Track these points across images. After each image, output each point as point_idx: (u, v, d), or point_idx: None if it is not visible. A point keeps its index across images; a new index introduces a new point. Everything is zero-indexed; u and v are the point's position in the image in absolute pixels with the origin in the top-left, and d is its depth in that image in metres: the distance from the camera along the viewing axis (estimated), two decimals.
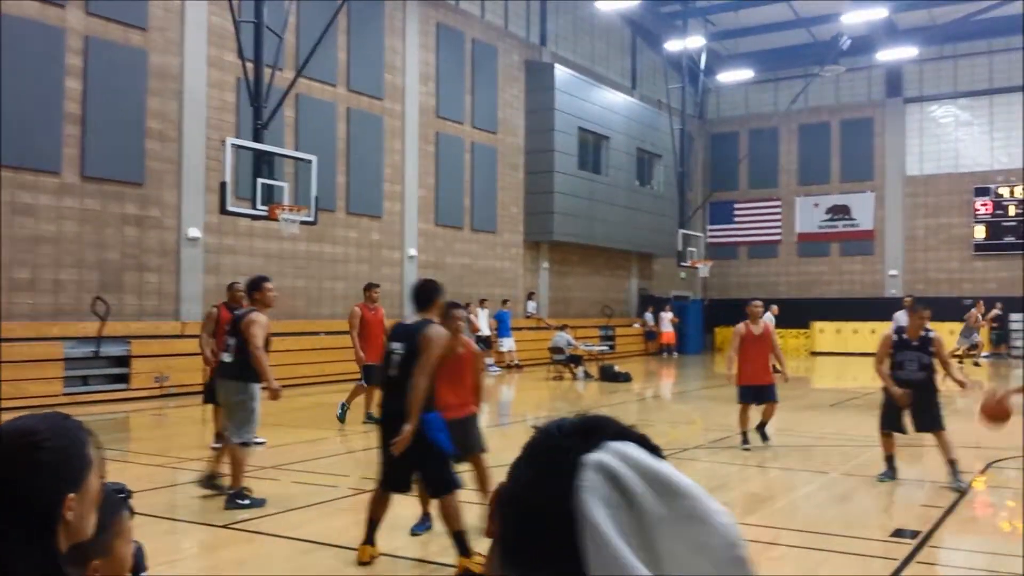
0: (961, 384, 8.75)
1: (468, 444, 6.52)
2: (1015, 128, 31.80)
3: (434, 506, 6.19)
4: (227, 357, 7.82)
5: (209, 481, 7.86)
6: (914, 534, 6.73)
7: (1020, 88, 31.64)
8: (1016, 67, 31.75)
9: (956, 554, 6.79)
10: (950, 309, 28.79)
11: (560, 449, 0.92)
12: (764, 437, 10.92)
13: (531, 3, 27.54)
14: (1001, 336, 28.69)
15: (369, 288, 12.70)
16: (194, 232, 17.16)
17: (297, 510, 7.41)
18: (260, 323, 7.68)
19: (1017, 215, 31.40)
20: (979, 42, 32.06)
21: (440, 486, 5.85)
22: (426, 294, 6.10)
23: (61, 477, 1.58)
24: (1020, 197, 31.33)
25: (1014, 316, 29.11)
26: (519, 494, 0.92)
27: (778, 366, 11.12)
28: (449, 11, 24.01)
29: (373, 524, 5.93)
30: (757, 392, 10.81)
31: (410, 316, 6.20)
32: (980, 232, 31.99)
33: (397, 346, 5.92)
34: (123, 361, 15.56)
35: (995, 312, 27.43)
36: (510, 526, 0.92)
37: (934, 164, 33.24)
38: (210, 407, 10.24)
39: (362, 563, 5.81)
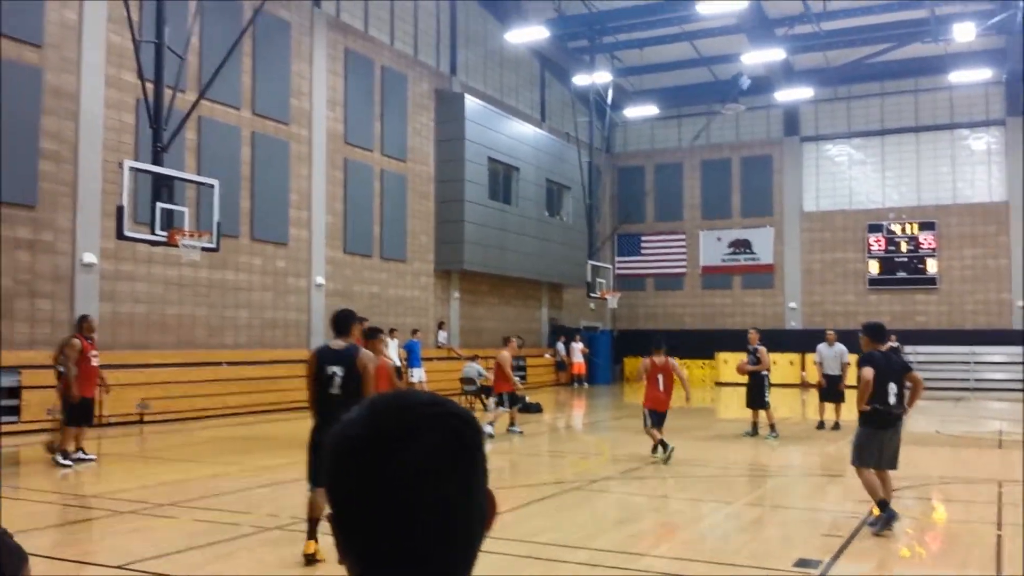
0: None
1: None
2: (905, 167, 33.38)
3: None
4: None
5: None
6: (817, 563, 6.82)
7: (910, 129, 33.28)
8: (906, 109, 33.41)
9: None
10: (846, 340, 29.71)
11: None
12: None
13: (441, 32, 27.62)
14: None
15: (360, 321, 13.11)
16: (89, 258, 16.47)
17: (197, 549, 7.08)
18: None
19: (908, 251, 32.83)
20: (872, 84, 33.59)
21: None
22: (345, 321, 7.03)
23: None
24: (910, 234, 32.78)
25: (907, 348, 30.26)
26: None
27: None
28: (358, 37, 23.84)
29: (315, 523, 6.52)
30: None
31: (333, 341, 6.95)
32: (874, 267, 33.30)
33: (337, 369, 6.65)
34: (14, 392, 14.76)
35: (891, 344, 28.45)
36: None
37: (829, 201, 34.52)
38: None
39: (306, 555, 6.42)
